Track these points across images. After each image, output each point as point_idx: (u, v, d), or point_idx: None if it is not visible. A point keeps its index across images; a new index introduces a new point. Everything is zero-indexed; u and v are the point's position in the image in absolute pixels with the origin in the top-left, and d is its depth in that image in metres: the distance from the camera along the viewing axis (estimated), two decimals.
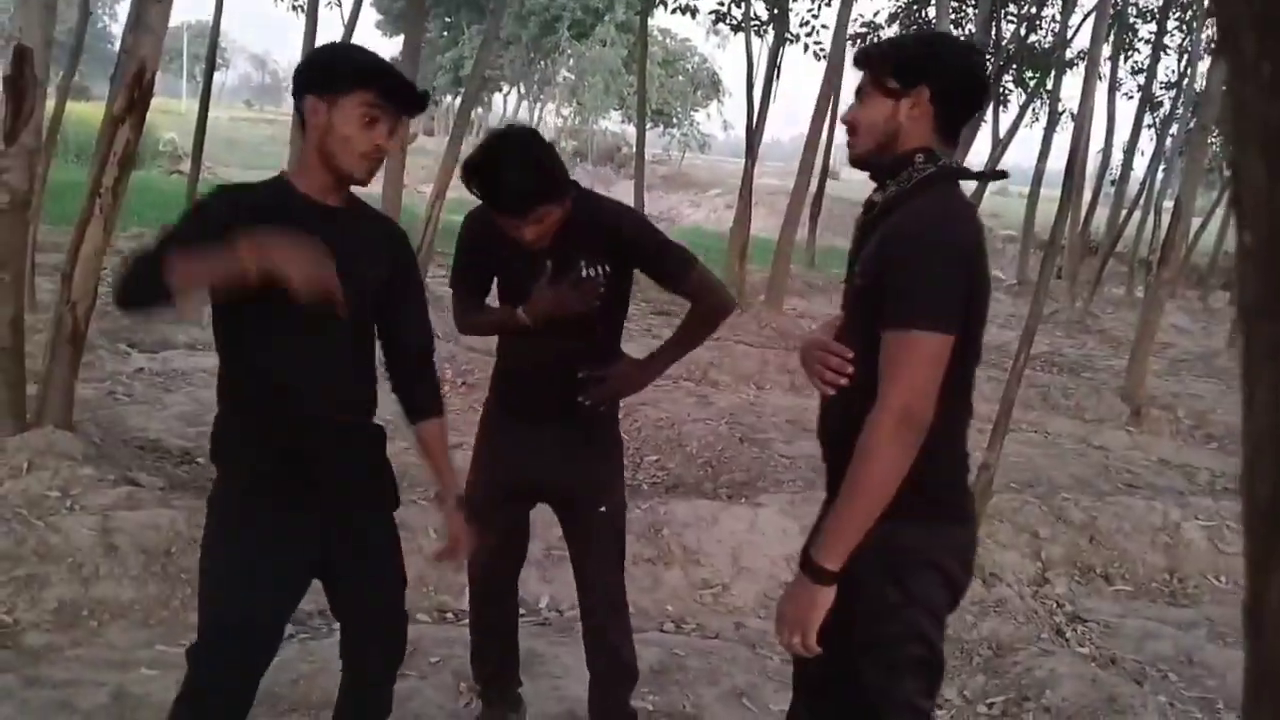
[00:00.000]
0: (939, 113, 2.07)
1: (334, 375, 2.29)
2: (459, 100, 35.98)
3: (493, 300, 2.99)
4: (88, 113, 21.18)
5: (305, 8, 13.74)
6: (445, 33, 44.97)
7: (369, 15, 51.44)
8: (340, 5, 16.32)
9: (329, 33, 14.53)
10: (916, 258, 1.96)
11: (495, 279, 2.92)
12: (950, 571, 2.10)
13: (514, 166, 2.54)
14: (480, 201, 2.70)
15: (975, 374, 2.10)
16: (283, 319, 2.15)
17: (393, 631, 2.56)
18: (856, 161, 2.17)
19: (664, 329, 9.83)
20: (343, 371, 2.31)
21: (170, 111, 36.54)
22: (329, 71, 2.20)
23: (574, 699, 3.45)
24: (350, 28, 14.74)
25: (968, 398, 2.08)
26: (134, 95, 4.54)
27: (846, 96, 15.09)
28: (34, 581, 3.78)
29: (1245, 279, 0.58)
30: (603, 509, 2.91)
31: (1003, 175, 2.74)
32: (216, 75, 13.44)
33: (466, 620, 3.99)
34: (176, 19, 4.56)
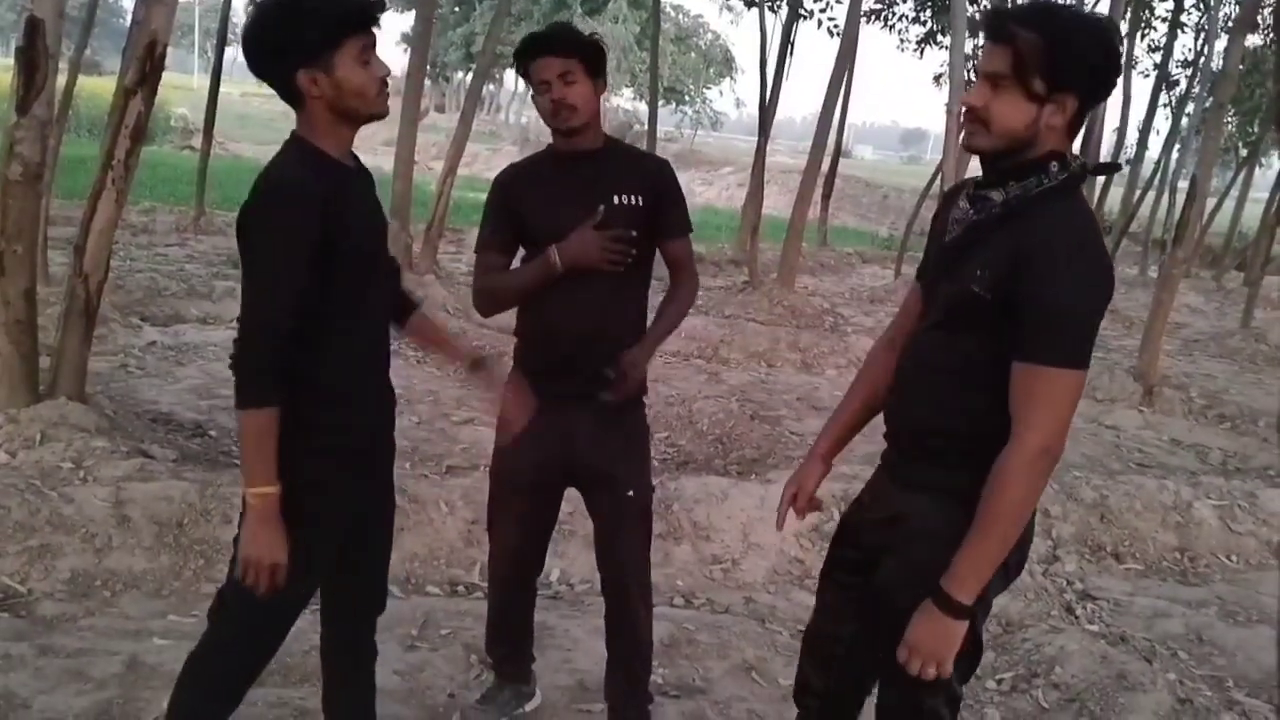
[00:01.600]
0: (1078, 116, 1.96)
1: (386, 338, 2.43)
2: (470, 76, 35.90)
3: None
4: (99, 87, 21.18)
5: None
6: (457, 8, 44.88)
7: None
8: None
9: None
10: (1070, 292, 1.87)
11: (521, 246, 2.89)
12: (1011, 567, 2.10)
13: (567, 25, 2.84)
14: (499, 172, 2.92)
15: None
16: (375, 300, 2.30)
17: (385, 580, 2.65)
18: (976, 151, 2.01)
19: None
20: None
21: (181, 87, 36.54)
22: (308, 39, 2.06)
23: (584, 671, 3.46)
24: None
25: None
26: (145, 68, 4.53)
27: (860, 74, 15.00)
28: (47, 551, 3.80)
29: None
30: (630, 493, 2.90)
31: (1118, 168, 2.72)
32: (228, 51, 13.40)
33: (477, 594, 4.02)
34: None
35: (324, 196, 2.09)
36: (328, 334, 2.18)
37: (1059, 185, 1.94)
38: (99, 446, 4.38)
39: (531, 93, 2.80)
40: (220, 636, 2.32)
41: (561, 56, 2.69)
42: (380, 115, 2.21)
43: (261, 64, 2.12)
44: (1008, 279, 1.89)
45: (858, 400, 2.41)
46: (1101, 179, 15.31)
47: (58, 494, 3.98)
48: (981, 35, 2.04)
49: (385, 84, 2.16)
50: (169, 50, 4.73)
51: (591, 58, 2.73)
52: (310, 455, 2.21)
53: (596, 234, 2.72)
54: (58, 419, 4.51)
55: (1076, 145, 2.08)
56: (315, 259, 2.07)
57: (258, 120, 37.75)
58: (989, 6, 13.59)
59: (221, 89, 13.02)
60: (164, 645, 3.38)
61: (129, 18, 5.61)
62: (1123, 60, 2.06)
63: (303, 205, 2.06)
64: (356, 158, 2.30)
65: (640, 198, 2.79)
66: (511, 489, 2.96)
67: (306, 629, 3.51)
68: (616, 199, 2.76)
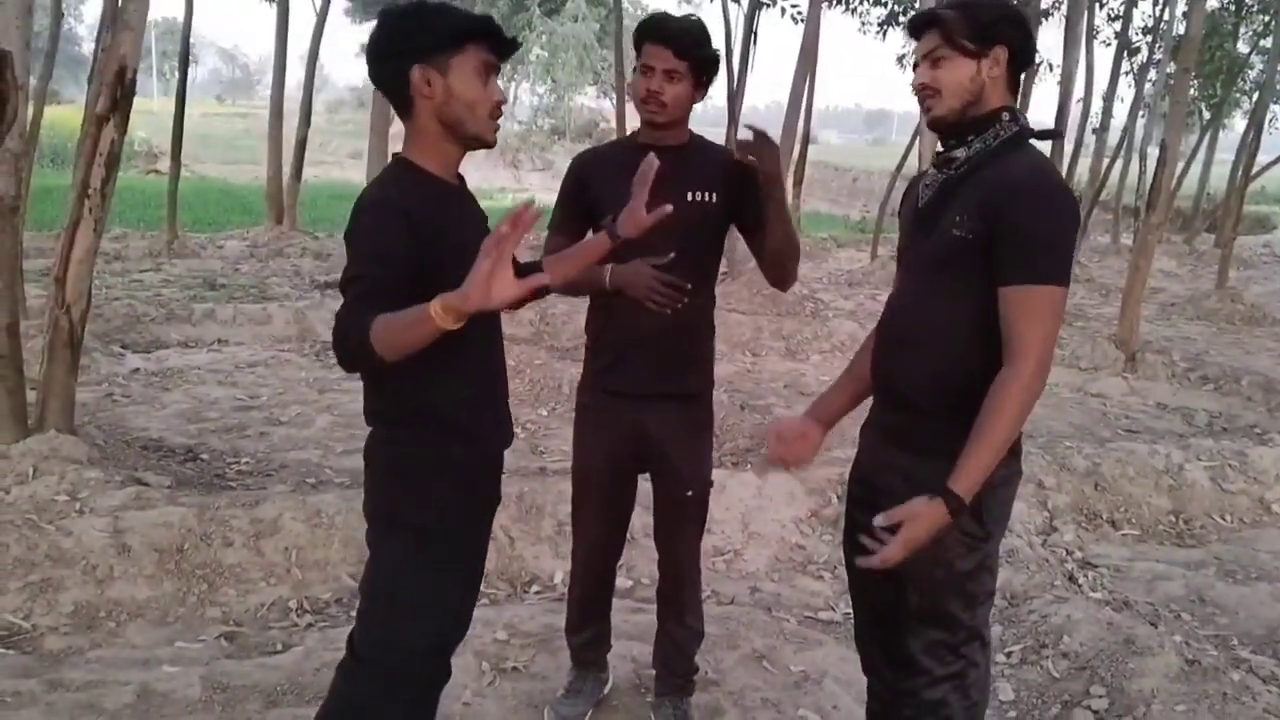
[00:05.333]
0: (1012, 70, 2.18)
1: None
2: None
3: None
4: (60, 116, 21.03)
5: None
6: None
7: (338, 2, 51.02)
8: None
9: (299, 21, 14.40)
10: (1044, 215, 2.05)
11: (591, 230, 2.90)
12: (1008, 505, 2.26)
13: (699, 24, 2.78)
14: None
15: None
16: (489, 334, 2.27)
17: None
18: (938, 122, 2.22)
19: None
20: None
21: (142, 110, 36.15)
22: (433, 35, 2.03)
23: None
24: (322, 16, 14.65)
25: None
26: (116, 94, 4.50)
27: (823, 60, 15.01)
28: (49, 586, 3.78)
29: None
30: (690, 493, 3.01)
31: (1060, 135, 2.84)
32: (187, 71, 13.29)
33: (483, 601, 4.02)
34: None
35: (415, 212, 2.00)
36: (435, 365, 2.07)
37: (1014, 135, 2.17)
38: (93, 477, 4.35)
39: (633, 66, 2.83)
40: (353, 696, 2.24)
41: (676, 54, 2.71)
42: (487, 142, 2.14)
43: (380, 59, 2.07)
44: (985, 218, 2.08)
45: (856, 379, 2.54)
46: (1070, 151, 15.42)
47: (55, 527, 3.95)
48: (910, 35, 2.27)
49: (499, 110, 2.12)
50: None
51: (704, 68, 2.77)
52: (437, 492, 2.19)
53: (652, 274, 2.76)
54: (49, 452, 4.47)
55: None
56: (412, 278, 1.95)
57: (221, 140, 37.55)
58: None
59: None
60: (174, 672, 3.37)
61: (84, 45, 5.56)
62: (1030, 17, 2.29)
63: (391, 222, 1.97)
64: (463, 180, 2.24)
65: (714, 194, 2.83)
66: (593, 484, 3.07)
67: (316, 647, 3.54)
68: (691, 195, 2.80)
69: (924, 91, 2.19)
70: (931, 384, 2.22)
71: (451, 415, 2.17)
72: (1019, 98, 2.25)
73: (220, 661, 3.48)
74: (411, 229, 1.98)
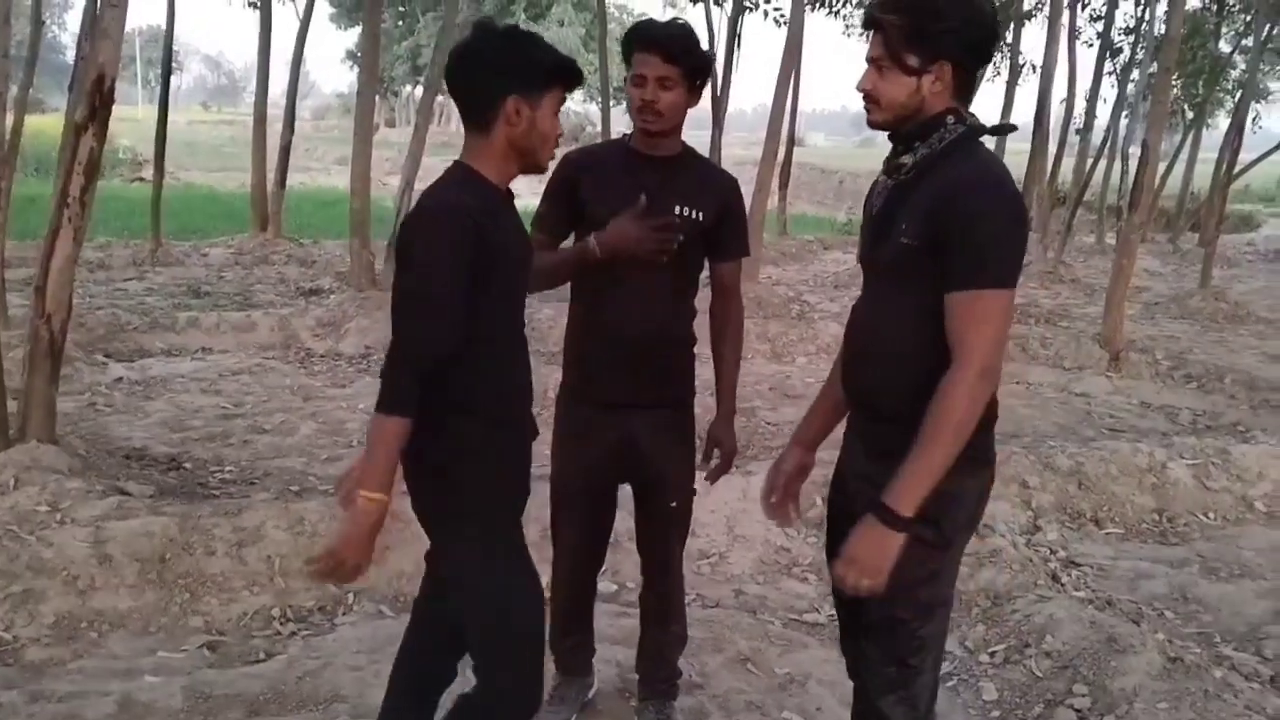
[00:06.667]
0: (959, 78, 2.12)
1: None
2: (419, 90, 35.61)
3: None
4: (41, 125, 20.90)
5: (259, 4, 13.59)
6: (400, 22, 44.68)
7: (322, 8, 50.94)
8: (294, 0, 16.21)
9: (282, 28, 14.37)
10: (986, 219, 2.01)
11: (574, 232, 2.92)
12: (975, 514, 2.23)
13: (687, 28, 2.78)
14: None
15: None
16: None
17: None
18: (876, 127, 2.20)
19: None
20: None
21: (126, 119, 36.05)
22: (536, 71, 2.19)
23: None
24: (305, 22, 14.62)
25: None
26: (95, 103, 4.48)
27: (807, 61, 15.04)
28: (30, 597, 3.76)
29: None
30: (674, 504, 3.03)
31: (1013, 129, 2.83)
32: (171, 78, 13.25)
33: None
34: (128, 24, 4.52)
35: (479, 213, 2.12)
36: (488, 359, 2.22)
37: (960, 136, 2.11)
38: (74, 487, 4.32)
39: (625, 76, 2.82)
40: (527, 674, 2.36)
41: (666, 60, 2.68)
42: (543, 170, 2.32)
43: (477, 76, 2.18)
44: (929, 223, 2.04)
45: (837, 388, 2.49)
46: (1053, 152, 15.47)
47: (36, 538, 3.93)
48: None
49: (558, 142, 2.28)
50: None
51: (696, 72, 2.74)
52: (493, 481, 2.28)
53: (636, 223, 2.72)
54: (30, 462, 4.45)
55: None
56: (473, 278, 2.11)
57: (206, 147, 37.47)
58: None
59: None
60: (156, 682, 3.35)
61: (68, 54, 5.54)
62: (998, 23, 2.23)
63: (458, 220, 2.10)
64: (510, 192, 2.33)
65: (703, 213, 2.83)
66: (573, 493, 3.05)
67: (299, 655, 3.53)
68: (679, 209, 2.79)
69: (865, 98, 2.18)
70: (890, 390, 2.21)
71: (503, 405, 2.27)
72: (1004, 100, 2.23)
73: (203, 671, 3.47)
74: (478, 230, 2.10)
